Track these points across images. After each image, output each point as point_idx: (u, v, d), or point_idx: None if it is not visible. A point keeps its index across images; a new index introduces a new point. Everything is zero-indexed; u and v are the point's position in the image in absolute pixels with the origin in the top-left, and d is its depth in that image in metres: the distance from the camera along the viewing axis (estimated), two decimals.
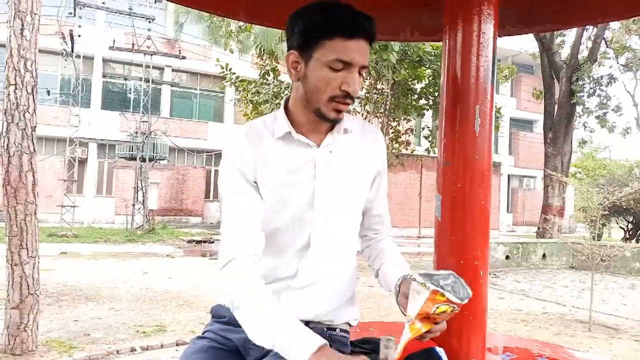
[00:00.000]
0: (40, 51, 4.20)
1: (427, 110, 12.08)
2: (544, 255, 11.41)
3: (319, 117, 1.17)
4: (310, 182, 1.19)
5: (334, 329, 1.27)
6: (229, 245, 1.14)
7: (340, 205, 1.22)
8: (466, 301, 0.97)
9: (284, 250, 1.21)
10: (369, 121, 6.59)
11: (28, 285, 3.82)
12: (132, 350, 4.08)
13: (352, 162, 1.24)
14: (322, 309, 1.24)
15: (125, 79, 20.34)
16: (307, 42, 1.12)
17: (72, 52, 16.74)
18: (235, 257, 1.11)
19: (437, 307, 0.96)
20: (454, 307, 0.97)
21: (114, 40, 17.20)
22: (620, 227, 16.70)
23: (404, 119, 12.22)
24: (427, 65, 10.82)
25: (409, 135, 12.95)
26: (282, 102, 1.24)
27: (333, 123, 1.19)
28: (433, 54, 10.68)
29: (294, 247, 1.20)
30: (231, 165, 1.18)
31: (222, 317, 1.25)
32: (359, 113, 12.09)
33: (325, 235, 1.21)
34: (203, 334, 1.24)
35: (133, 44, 17.48)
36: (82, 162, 20.45)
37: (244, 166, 1.17)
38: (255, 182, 1.18)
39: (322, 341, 0.97)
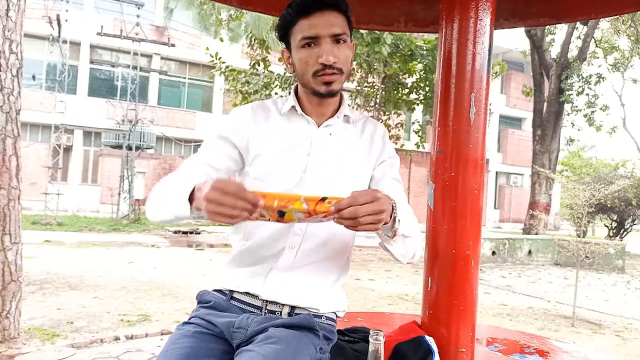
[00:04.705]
0: (26, 35, 4.10)
1: (418, 104, 12.08)
2: (529, 252, 11.53)
3: (316, 96, 1.23)
4: (304, 158, 1.21)
5: (320, 317, 1.25)
6: (174, 174, 1.19)
7: (332, 188, 1.18)
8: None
9: (270, 228, 1.18)
10: None
11: (11, 272, 3.75)
12: (116, 338, 4.03)
13: (350, 151, 1.27)
14: (307, 294, 1.22)
15: (113, 66, 20.03)
16: (284, 35, 1.23)
17: (59, 37, 16.40)
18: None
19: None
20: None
21: (101, 26, 16.94)
22: (605, 225, 16.95)
23: (394, 113, 12.21)
24: (418, 60, 10.82)
25: (399, 130, 12.95)
26: (293, 87, 1.31)
27: (329, 97, 1.23)
28: (424, 48, 10.68)
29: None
30: (220, 129, 1.25)
31: (208, 302, 1.23)
32: (350, 106, 12.05)
33: None
34: (189, 319, 1.22)
35: (121, 31, 17.22)
36: (67, 149, 20.15)
37: (232, 132, 1.23)
38: (237, 148, 1.23)
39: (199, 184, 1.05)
